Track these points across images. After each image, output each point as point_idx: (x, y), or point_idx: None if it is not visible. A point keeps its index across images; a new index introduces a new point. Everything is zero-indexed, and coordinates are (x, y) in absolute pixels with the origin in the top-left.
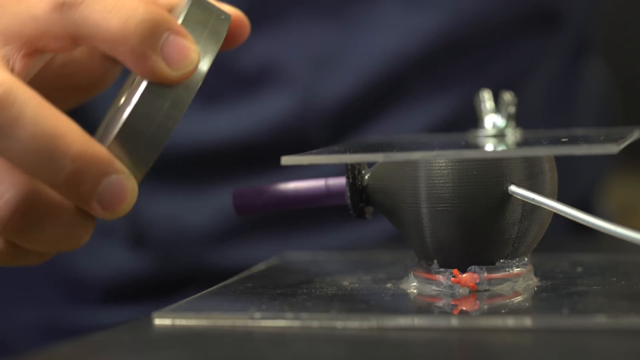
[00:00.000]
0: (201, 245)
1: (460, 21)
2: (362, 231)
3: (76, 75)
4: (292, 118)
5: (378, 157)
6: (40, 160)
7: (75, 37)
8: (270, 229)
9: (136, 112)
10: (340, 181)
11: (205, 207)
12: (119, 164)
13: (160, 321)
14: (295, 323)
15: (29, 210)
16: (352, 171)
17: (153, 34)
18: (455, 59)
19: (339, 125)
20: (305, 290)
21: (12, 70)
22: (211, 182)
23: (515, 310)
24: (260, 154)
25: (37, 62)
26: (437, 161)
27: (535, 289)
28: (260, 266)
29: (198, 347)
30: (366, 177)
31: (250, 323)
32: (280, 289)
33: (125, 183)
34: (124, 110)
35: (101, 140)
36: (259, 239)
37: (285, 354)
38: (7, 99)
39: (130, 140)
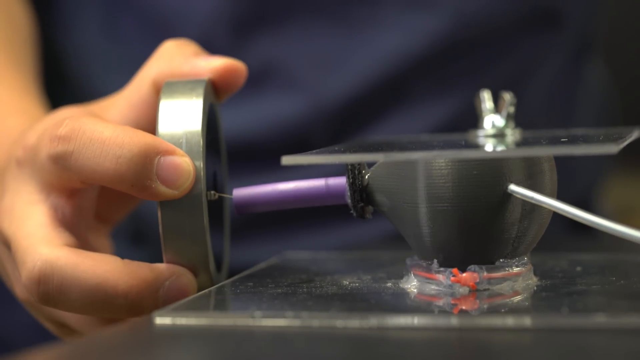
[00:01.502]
0: None
1: (462, 23)
2: (362, 231)
3: None
4: (294, 119)
5: (378, 157)
6: (98, 307)
7: (81, 181)
8: (270, 229)
9: (166, 229)
10: (340, 181)
11: None
12: (167, 271)
13: (161, 320)
14: (296, 322)
15: None
16: (352, 171)
17: (145, 166)
18: (457, 60)
19: (341, 126)
20: (305, 290)
21: (64, 217)
22: None
23: (514, 310)
24: (262, 154)
25: (84, 198)
26: (436, 161)
27: (535, 288)
28: (261, 266)
29: (199, 346)
30: (366, 177)
31: (250, 322)
32: (281, 288)
33: (181, 282)
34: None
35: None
36: (259, 239)
37: (286, 353)
38: (46, 273)
39: (177, 249)
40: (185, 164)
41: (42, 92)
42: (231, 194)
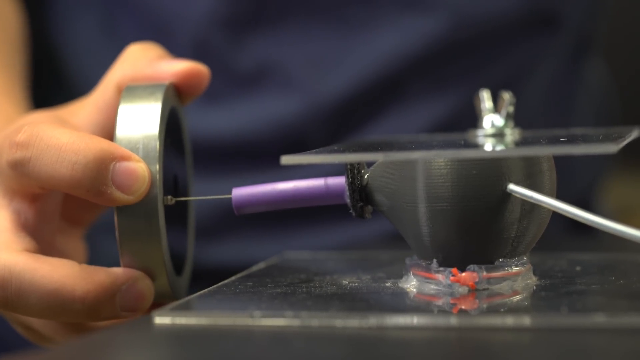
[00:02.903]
0: (199, 243)
1: (460, 23)
2: (361, 230)
3: None
4: (291, 118)
5: (377, 157)
6: (56, 312)
7: (39, 187)
8: (269, 228)
9: (122, 233)
10: (339, 181)
11: (204, 204)
12: (123, 275)
13: (161, 320)
14: (295, 322)
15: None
16: (351, 171)
17: (101, 172)
18: (454, 60)
19: (337, 126)
20: (305, 289)
21: (26, 222)
22: (209, 180)
23: (514, 309)
24: (259, 153)
25: (48, 202)
26: (436, 161)
27: (534, 287)
28: (260, 265)
29: (198, 346)
30: (365, 176)
31: (250, 322)
32: (280, 288)
33: (138, 286)
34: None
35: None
36: (258, 239)
37: (285, 352)
38: (4, 278)
39: (133, 253)
40: (141, 170)
41: (27, 95)
42: (220, 194)
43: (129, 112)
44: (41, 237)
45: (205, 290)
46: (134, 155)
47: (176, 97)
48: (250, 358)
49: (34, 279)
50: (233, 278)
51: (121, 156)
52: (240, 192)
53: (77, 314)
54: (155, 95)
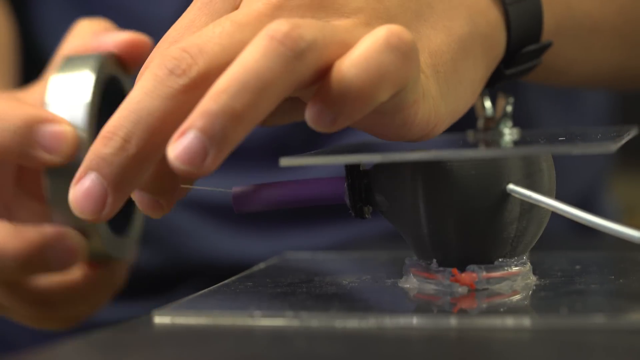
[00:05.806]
0: (198, 242)
1: None
2: (361, 230)
3: None
4: None
5: (376, 158)
6: None
7: None
8: (268, 227)
9: (52, 194)
10: (339, 181)
11: (201, 204)
12: (53, 233)
13: (161, 319)
14: (295, 322)
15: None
16: (351, 171)
17: (26, 135)
18: None
19: None
20: (305, 289)
21: None
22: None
23: (513, 309)
24: (235, 151)
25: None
26: (435, 161)
27: (534, 287)
28: (261, 265)
29: (198, 346)
30: (365, 177)
31: (250, 322)
32: (280, 288)
33: (68, 243)
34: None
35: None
36: (258, 237)
37: (285, 352)
38: None
39: (63, 214)
40: (67, 131)
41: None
42: (200, 190)
43: (61, 81)
44: None
45: (206, 290)
46: (59, 117)
47: (118, 67)
48: (250, 358)
49: None
50: (233, 278)
51: (46, 119)
52: (240, 191)
53: (11, 271)
54: (90, 63)
